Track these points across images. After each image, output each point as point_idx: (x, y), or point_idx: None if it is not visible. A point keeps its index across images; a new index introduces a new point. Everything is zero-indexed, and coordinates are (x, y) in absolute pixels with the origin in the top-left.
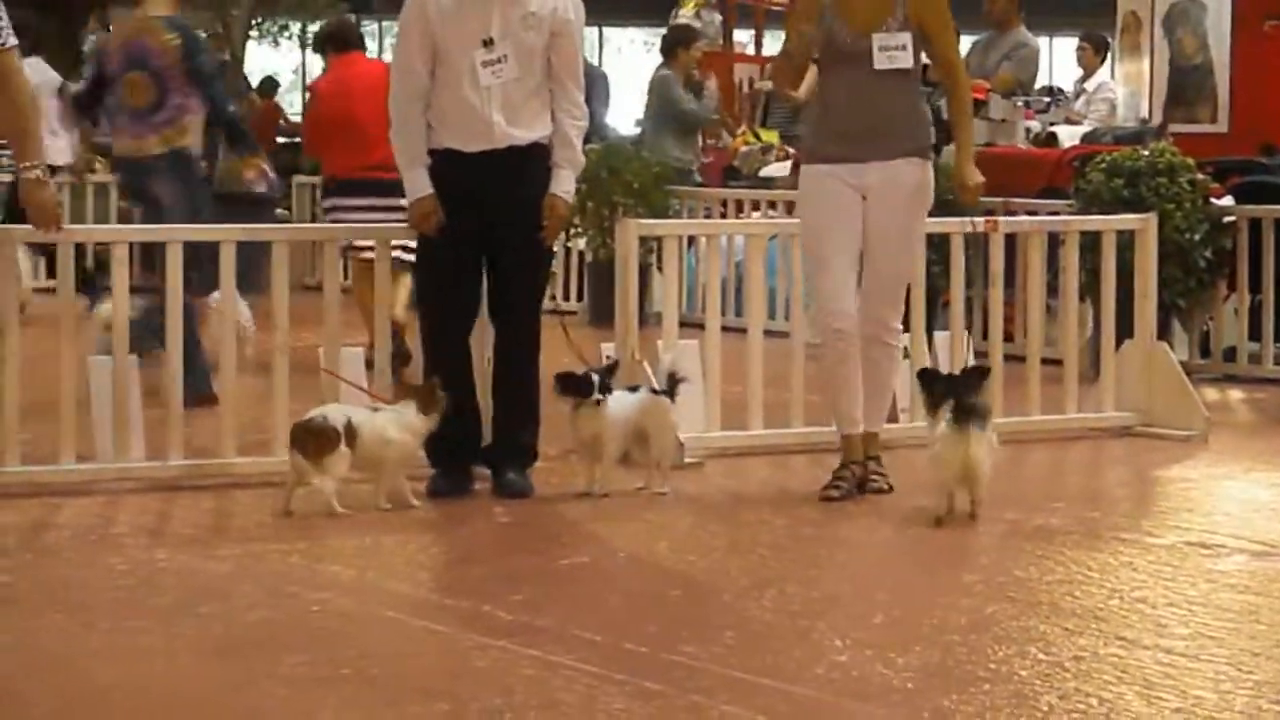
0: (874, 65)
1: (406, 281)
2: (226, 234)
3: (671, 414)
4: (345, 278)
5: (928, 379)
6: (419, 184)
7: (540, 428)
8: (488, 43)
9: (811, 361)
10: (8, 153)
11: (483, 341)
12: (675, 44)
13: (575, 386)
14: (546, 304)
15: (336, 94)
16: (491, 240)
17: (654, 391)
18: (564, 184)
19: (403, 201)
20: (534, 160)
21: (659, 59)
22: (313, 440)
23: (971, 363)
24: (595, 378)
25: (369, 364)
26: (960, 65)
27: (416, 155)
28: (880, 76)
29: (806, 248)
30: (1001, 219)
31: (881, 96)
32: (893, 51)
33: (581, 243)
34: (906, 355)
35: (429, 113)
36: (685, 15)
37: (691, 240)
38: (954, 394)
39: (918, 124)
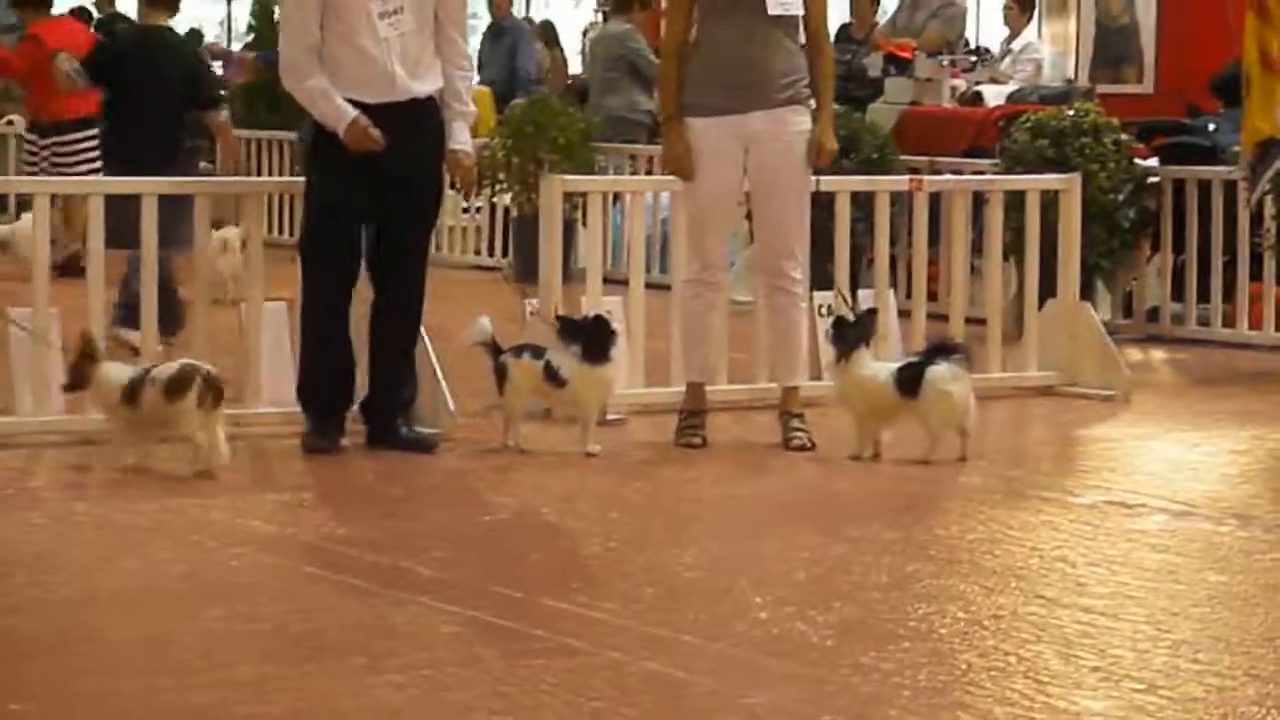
0: (767, 10)
1: None
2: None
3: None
4: None
5: (840, 325)
6: (342, 109)
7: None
8: None
9: (735, 319)
10: None
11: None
12: (634, 1)
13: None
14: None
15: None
16: (383, 193)
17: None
18: (462, 137)
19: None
20: (429, 113)
21: (587, 15)
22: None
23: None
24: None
25: None
26: (826, 27)
27: (328, 91)
28: (767, 24)
29: (686, 203)
30: (926, 178)
31: (768, 44)
32: None
33: (507, 198)
34: (830, 313)
35: (323, 66)
36: None
37: (616, 196)
38: (863, 336)
39: (801, 73)
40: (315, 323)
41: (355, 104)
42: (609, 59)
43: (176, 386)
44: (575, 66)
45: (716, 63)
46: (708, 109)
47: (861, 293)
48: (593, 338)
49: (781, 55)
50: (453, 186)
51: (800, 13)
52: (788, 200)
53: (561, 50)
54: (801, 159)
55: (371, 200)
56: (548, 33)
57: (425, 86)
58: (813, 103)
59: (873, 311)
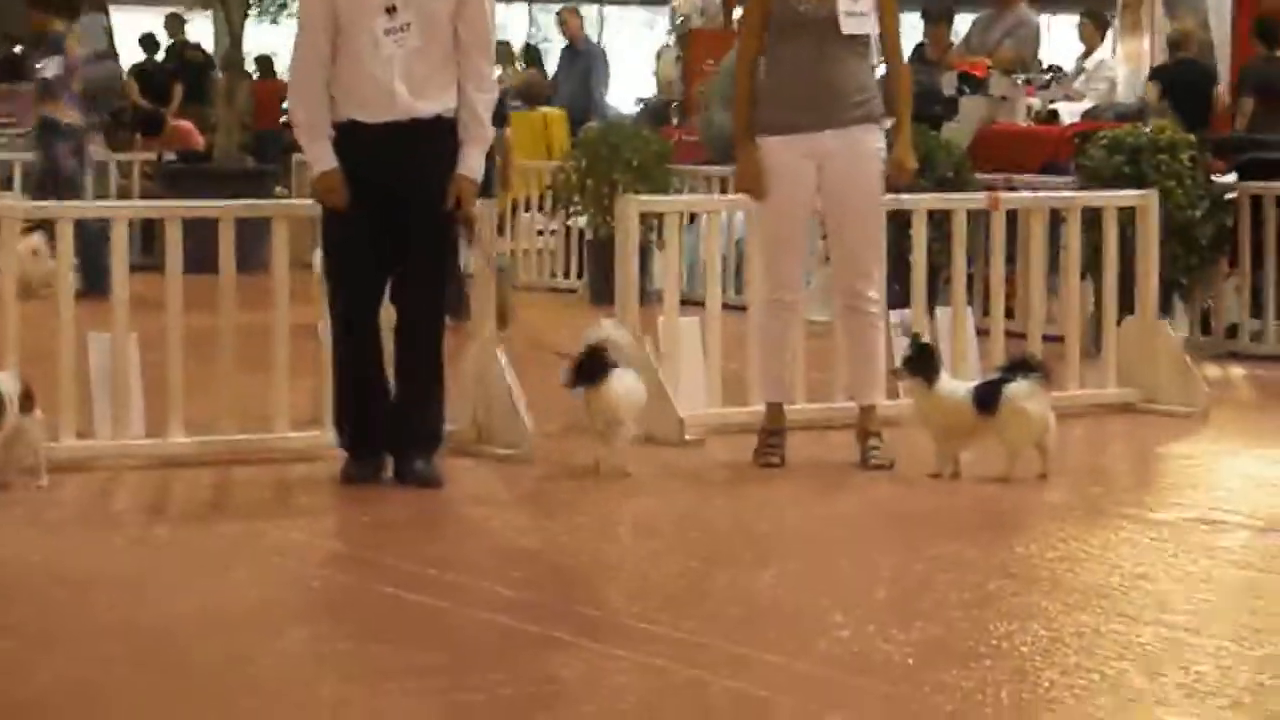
0: (840, 29)
1: None
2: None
3: (639, 390)
4: None
5: (923, 350)
6: (323, 157)
7: (445, 411)
8: (390, 10)
9: (813, 338)
10: None
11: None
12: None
13: (588, 371)
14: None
15: None
16: (394, 215)
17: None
18: (471, 162)
19: None
20: (438, 134)
21: (660, 38)
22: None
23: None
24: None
25: None
26: (900, 45)
27: (319, 127)
28: (839, 43)
29: (760, 223)
30: (1003, 195)
31: (839, 64)
32: (858, 17)
33: (581, 221)
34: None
35: (332, 84)
36: None
37: (692, 217)
38: (937, 357)
39: (872, 91)
40: (339, 350)
41: (357, 125)
42: (722, 86)
43: None
44: (649, 89)
45: (789, 81)
46: (780, 127)
47: (939, 310)
48: (585, 366)
49: (854, 74)
50: (442, 205)
51: (874, 31)
52: (861, 219)
53: (543, 69)
54: (874, 178)
55: (385, 223)
56: (530, 55)
57: (432, 106)
58: (887, 121)
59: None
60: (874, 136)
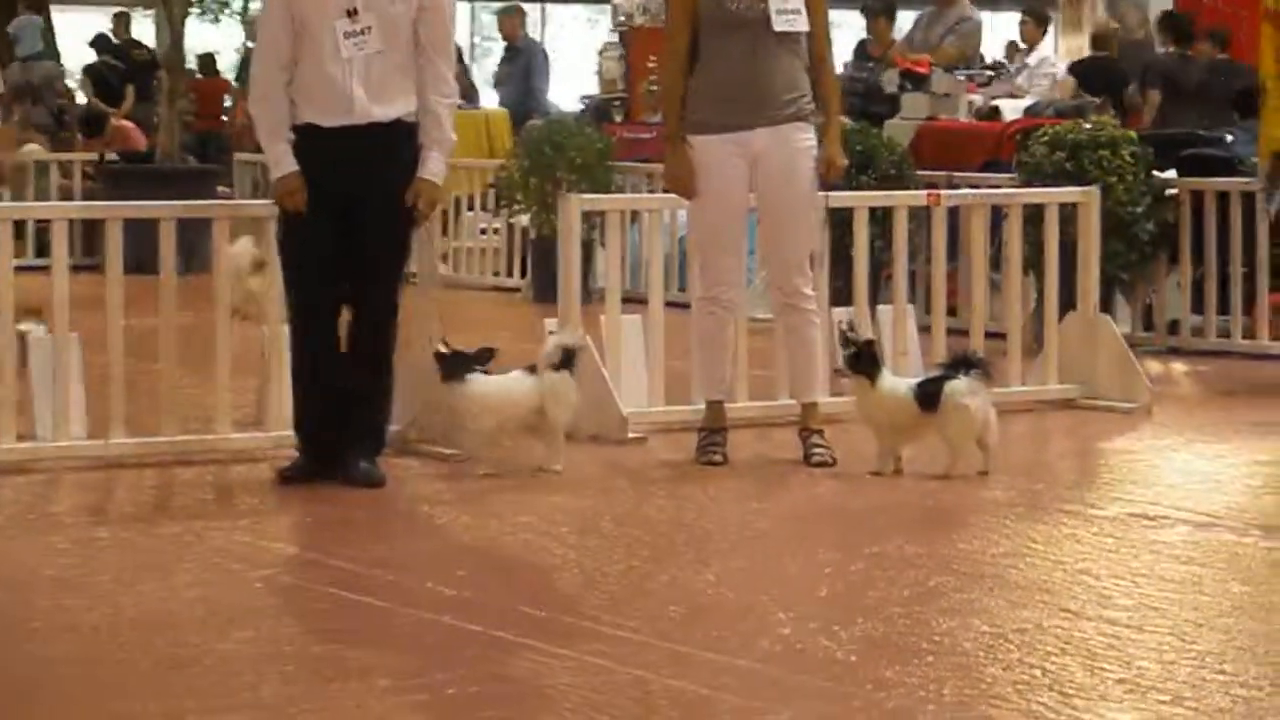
0: (772, 28)
1: None
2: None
3: (572, 390)
4: None
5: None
6: (283, 160)
7: (391, 414)
8: (351, 13)
9: (755, 336)
10: None
11: None
12: None
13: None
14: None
15: None
16: (350, 218)
17: (554, 368)
18: (432, 165)
19: None
20: (396, 139)
21: (603, 36)
22: None
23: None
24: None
25: None
26: (829, 43)
27: (278, 129)
28: (771, 42)
29: (695, 221)
30: (944, 193)
31: (772, 62)
32: (790, 15)
33: (524, 219)
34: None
35: (291, 86)
36: None
37: (635, 216)
38: (877, 356)
39: (804, 90)
40: (298, 352)
41: (313, 127)
42: None
43: None
44: (592, 86)
45: (720, 80)
46: (711, 126)
47: (880, 308)
48: (448, 363)
49: (785, 72)
50: (399, 210)
51: (805, 29)
52: (793, 216)
53: (466, 69)
54: (806, 175)
55: (341, 225)
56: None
57: (390, 111)
58: (819, 119)
59: (870, 342)
60: (806, 134)
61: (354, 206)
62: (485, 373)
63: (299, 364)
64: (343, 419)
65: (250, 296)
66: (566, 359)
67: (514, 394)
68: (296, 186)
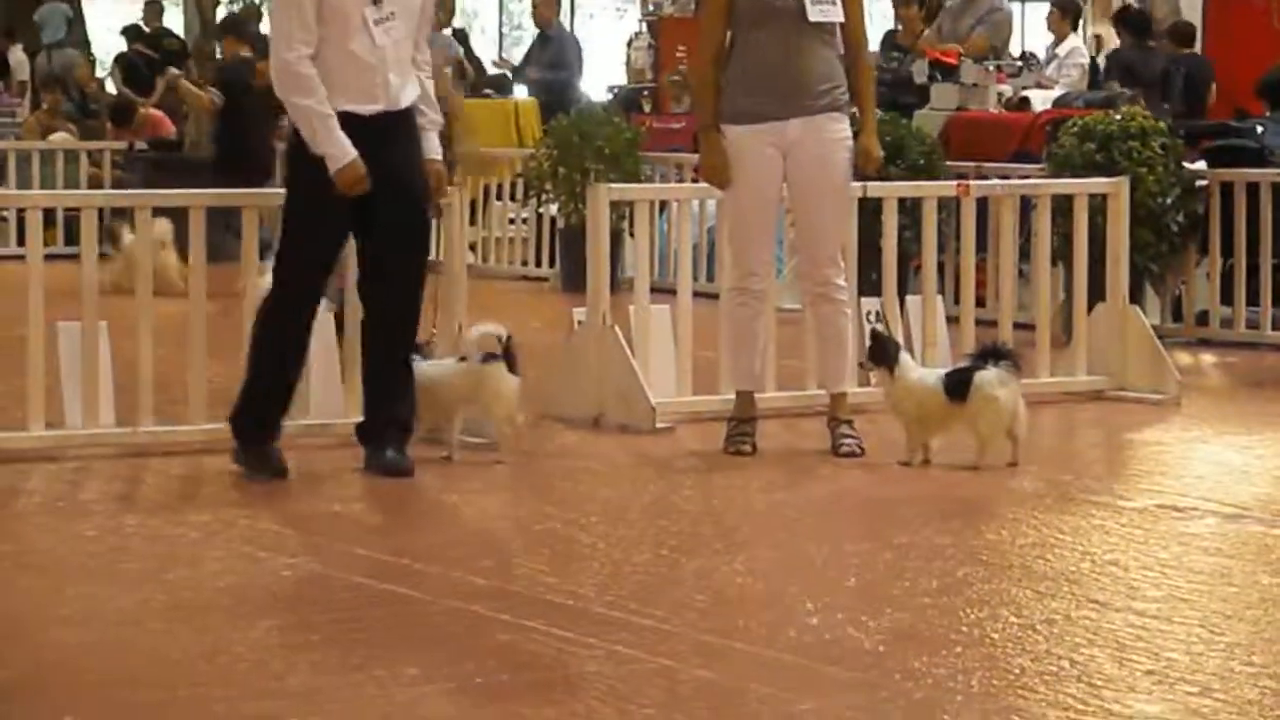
0: (807, 18)
1: None
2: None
3: (504, 381)
4: None
5: (880, 339)
6: (344, 145)
7: (416, 403)
8: (377, 0)
9: (784, 326)
10: None
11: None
12: None
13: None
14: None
15: None
16: (370, 207)
17: (486, 359)
18: (435, 146)
19: None
20: (413, 121)
21: (631, 26)
22: None
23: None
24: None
25: None
26: (865, 34)
27: (333, 117)
28: (807, 32)
29: (727, 211)
30: (973, 183)
31: (806, 53)
32: (825, 6)
33: (553, 208)
34: (880, 319)
35: (320, 76)
36: None
37: (663, 206)
38: (898, 346)
39: (839, 80)
40: (274, 327)
41: (350, 115)
42: None
43: None
44: (620, 77)
45: (754, 70)
46: (745, 116)
47: (909, 298)
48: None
49: (820, 62)
50: (423, 193)
51: (840, 20)
52: (826, 207)
53: (474, 54)
54: (840, 165)
55: (359, 215)
56: (460, 39)
57: (411, 94)
58: (854, 110)
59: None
60: (840, 124)
61: (377, 198)
62: (423, 359)
63: (273, 348)
64: (372, 410)
65: (164, 270)
66: (505, 351)
67: (444, 382)
68: (363, 172)
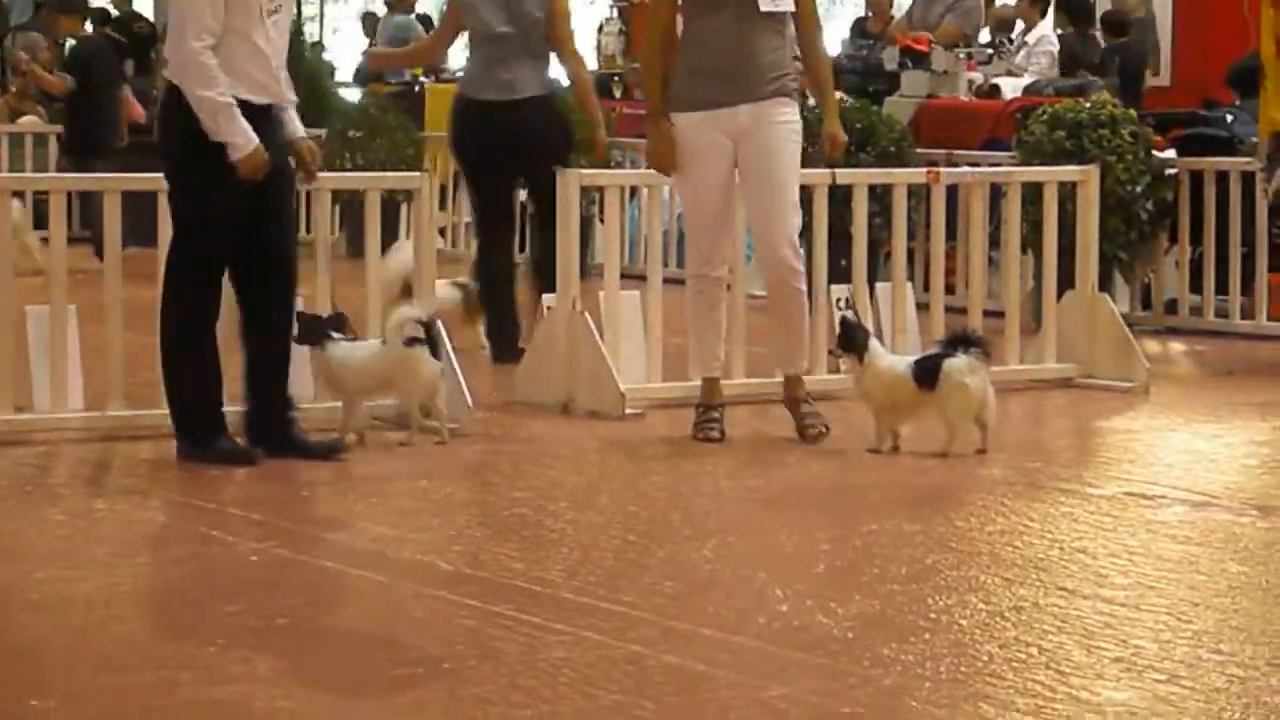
0: (758, 7)
1: None
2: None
3: (423, 365)
4: None
5: (849, 326)
6: (248, 134)
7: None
8: None
9: (753, 313)
10: None
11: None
12: None
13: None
14: None
15: None
16: (259, 190)
17: (409, 343)
18: (298, 123)
19: None
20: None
21: (602, 12)
22: None
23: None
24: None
25: None
26: (817, 21)
27: (234, 105)
28: (757, 21)
29: (683, 200)
30: (943, 170)
31: (756, 41)
32: None
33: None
34: (849, 306)
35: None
36: None
37: (633, 191)
38: (867, 334)
39: (788, 68)
40: (192, 307)
41: (248, 105)
42: None
43: None
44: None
45: (704, 57)
46: (694, 103)
47: (879, 286)
48: (305, 326)
49: (769, 50)
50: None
51: (791, 9)
52: (778, 191)
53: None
54: (790, 149)
55: (251, 200)
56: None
57: (288, 84)
58: (802, 97)
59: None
60: (788, 110)
61: (266, 185)
62: (348, 339)
63: (193, 322)
64: (263, 381)
65: (25, 251)
66: (428, 336)
67: (364, 364)
68: (266, 158)
